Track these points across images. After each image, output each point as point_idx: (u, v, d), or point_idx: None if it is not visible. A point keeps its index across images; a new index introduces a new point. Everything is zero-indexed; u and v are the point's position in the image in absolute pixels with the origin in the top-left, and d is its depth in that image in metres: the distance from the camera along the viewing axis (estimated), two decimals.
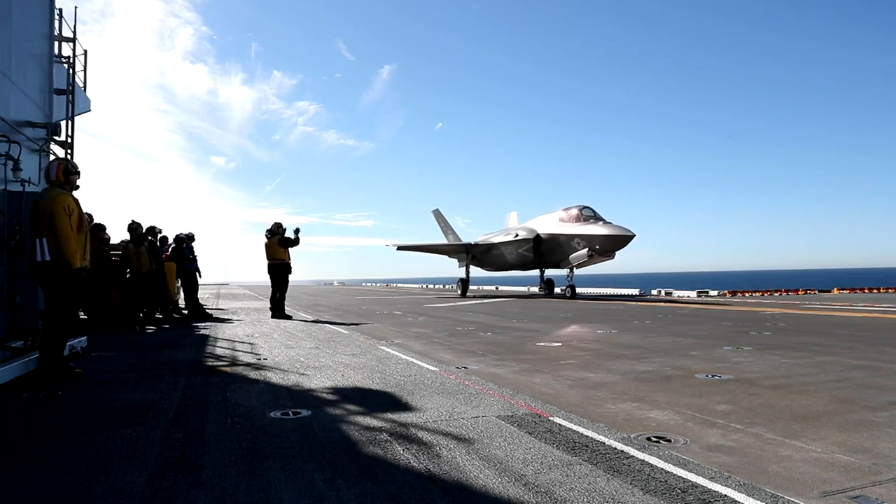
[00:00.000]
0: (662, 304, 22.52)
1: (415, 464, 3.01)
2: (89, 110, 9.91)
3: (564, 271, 28.24)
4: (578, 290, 38.63)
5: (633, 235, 22.98)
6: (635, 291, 33.36)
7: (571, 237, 25.08)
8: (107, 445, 3.40)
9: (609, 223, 23.86)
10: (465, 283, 32.28)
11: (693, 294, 30.52)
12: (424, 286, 66.94)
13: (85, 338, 7.49)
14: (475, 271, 33.17)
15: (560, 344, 8.39)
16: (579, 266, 25.03)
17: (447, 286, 62.93)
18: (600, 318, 13.79)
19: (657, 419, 3.98)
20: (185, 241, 15.35)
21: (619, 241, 23.37)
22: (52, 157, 7.56)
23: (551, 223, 26.96)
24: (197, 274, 15.64)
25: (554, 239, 26.40)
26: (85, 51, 9.61)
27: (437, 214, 44.25)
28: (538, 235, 27.40)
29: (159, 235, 13.88)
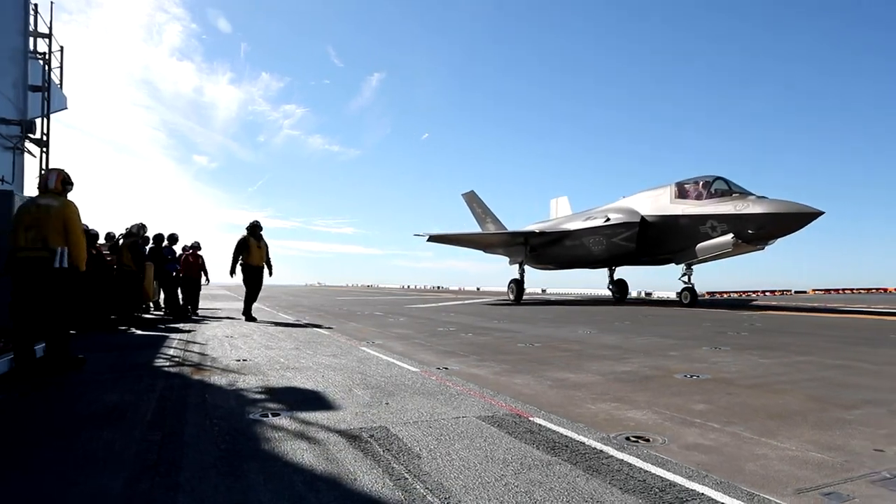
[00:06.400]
0: (643, 305, 22.74)
1: (395, 465, 3.00)
2: (66, 108, 9.78)
3: (665, 268, 22.45)
4: (551, 293, 37.83)
5: (819, 213, 16.21)
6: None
7: (702, 219, 18.37)
8: (83, 448, 3.35)
9: (764, 198, 17.27)
10: (519, 284, 25.10)
11: (672, 295, 30.86)
12: (405, 287, 66.91)
13: None
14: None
15: (541, 345, 8.43)
16: (710, 259, 18.77)
17: (420, 286, 63.11)
18: (582, 319, 13.89)
19: (636, 419, 4.01)
20: (163, 240, 15.20)
21: (792, 221, 16.58)
22: (27, 155, 7.43)
23: (661, 202, 20.30)
24: (178, 274, 15.53)
25: (671, 223, 19.66)
26: (61, 47, 9.47)
27: (472, 198, 35.06)
28: (643, 219, 20.62)
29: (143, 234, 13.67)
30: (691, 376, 5.65)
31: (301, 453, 3.21)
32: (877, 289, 38.11)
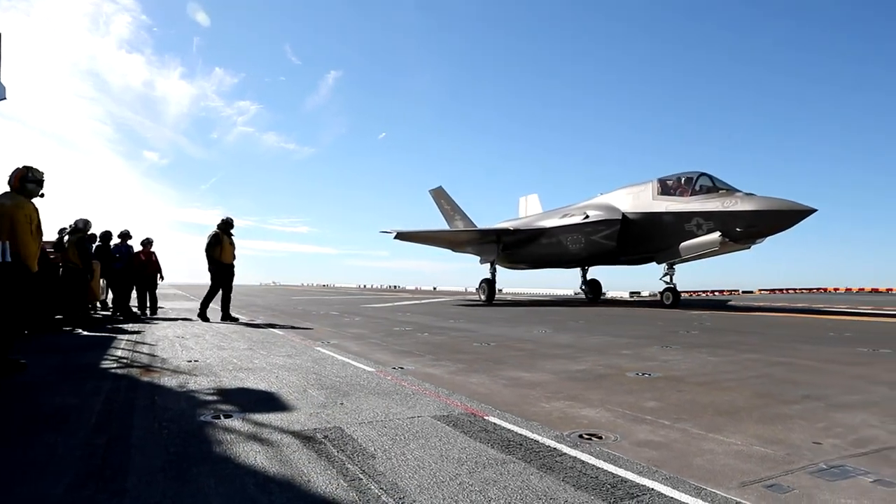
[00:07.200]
0: (612, 306, 23.11)
1: (350, 465, 2.98)
2: (4, 98, 9.34)
3: (643, 267, 21.79)
4: (508, 292, 37.93)
5: (812, 210, 15.53)
6: (570, 291, 34.09)
7: (687, 217, 17.65)
8: (22, 453, 3.22)
9: (752, 195, 16.58)
10: (491, 284, 24.17)
11: (625, 294, 31.49)
12: (361, 286, 66.53)
13: None
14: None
15: (496, 344, 8.49)
16: (694, 258, 18.01)
17: (376, 285, 62.88)
18: (536, 319, 14.05)
19: (589, 417, 4.08)
20: (110, 238, 14.73)
21: (783, 219, 15.92)
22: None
23: (643, 199, 19.49)
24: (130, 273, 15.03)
25: (654, 220, 18.86)
26: None
27: (440, 194, 33.49)
28: (624, 216, 19.80)
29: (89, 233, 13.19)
30: (643, 374, 5.77)
31: (254, 455, 3.16)
32: (818, 289, 39.70)
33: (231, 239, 13.35)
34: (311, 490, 2.66)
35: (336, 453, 3.19)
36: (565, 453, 3.20)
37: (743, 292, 36.42)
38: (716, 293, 35.08)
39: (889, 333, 10.10)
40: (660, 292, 20.12)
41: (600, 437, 3.53)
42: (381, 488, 2.67)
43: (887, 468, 2.95)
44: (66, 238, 12.19)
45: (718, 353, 7.40)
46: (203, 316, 13.01)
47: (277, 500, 2.54)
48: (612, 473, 2.87)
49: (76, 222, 12.15)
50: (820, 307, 19.45)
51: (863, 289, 37.93)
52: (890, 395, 4.78)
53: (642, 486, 2.70)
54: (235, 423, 3.87)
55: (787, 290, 38.17)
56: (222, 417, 4.01)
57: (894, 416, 4.03)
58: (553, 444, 3.38)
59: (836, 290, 39.19)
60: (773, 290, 37.55)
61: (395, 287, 60.26)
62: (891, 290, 36.61)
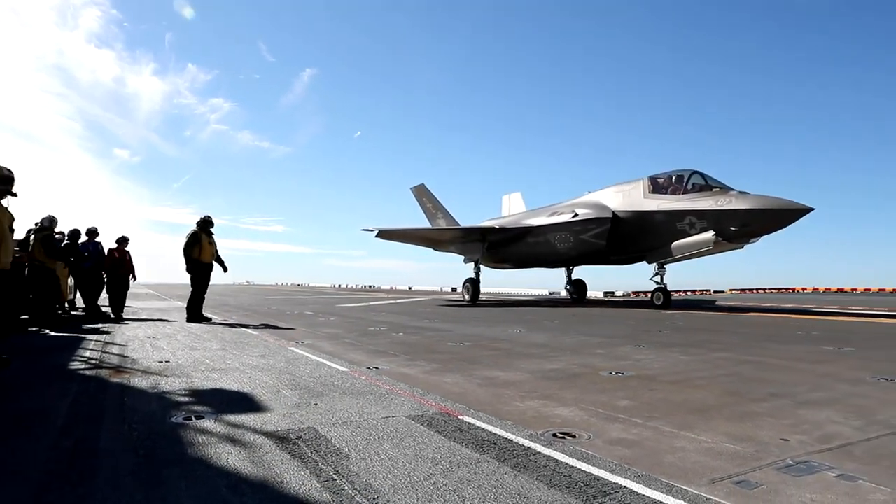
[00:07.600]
0: (575, 306, 23.25)
1: (323, 466, 2.96)
2: None
3: (632, 267, 21.46)
4: (487, 293, 38.07)
5: (808, 209, 15.11)
6: (546, 291, 34.30)
7: (680, 215, 17.23)
8: None
9: (746, 193, 16.25)
10: (475, 284, 23.58)
11: (599, 294, 31.78)
12: (336, 286, 66.17)
13: None
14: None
15: (471, 344, 8.51)
16: (686, 258, 17.60)
17: (351, 285, 62.62)
18: (513, 319, 14.11)
19: (563, 416, 4.11)
20: (79, 236, 14.40)
21: (780, 217, 15.57)
22: None
23: (634, 197, 18.99)
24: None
25: (646, 219, 18.39)
26: None
27: (422, 191, 32.55)
28: (614, 214, 19.28)
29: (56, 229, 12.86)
30: (616, 374, 5.83)
31: (226, 457, 3.12)
32: (787, 289, 40.55)
33: (211, 238, 13.17)
34: (284, 491, 2.64)
35: (310, 454, 3.16)
36: (539, 452, 3.22)
37: (714, 292, 37.03)
38: (688, 293, 35.62)
39: (854, 332, 10.37)
40: (650, 292, 19.73)
41: (574, 436, 3.56)
42: (355, 489, 2.66)
43: (850, 463, 3.03)
44: (32, 236, 11.91)
45: (690, 352, 7.52)
46: (198, 317, 12.82)
47: (250, 502, 2.51)
48: (586, 472, 2.89)
49: (42, 220, 11.88)
50: (789, 307, 19.85)
51: (829, 289, 38.85)
52: (853, 392, 4.90)
53: (615, 483, 2.73)
54: (207, 424, 3.82)
55: (757, 289, 38.92)
56: (194, 419, 3.95)
57: (857, 413, 4.14)
58: (527, 443, 3.39)
59: (804, 289, 40.09)
60: (743, 290, 38.24)
61: (370, 287, 60.06)
62: (855, 290, 37.57)
